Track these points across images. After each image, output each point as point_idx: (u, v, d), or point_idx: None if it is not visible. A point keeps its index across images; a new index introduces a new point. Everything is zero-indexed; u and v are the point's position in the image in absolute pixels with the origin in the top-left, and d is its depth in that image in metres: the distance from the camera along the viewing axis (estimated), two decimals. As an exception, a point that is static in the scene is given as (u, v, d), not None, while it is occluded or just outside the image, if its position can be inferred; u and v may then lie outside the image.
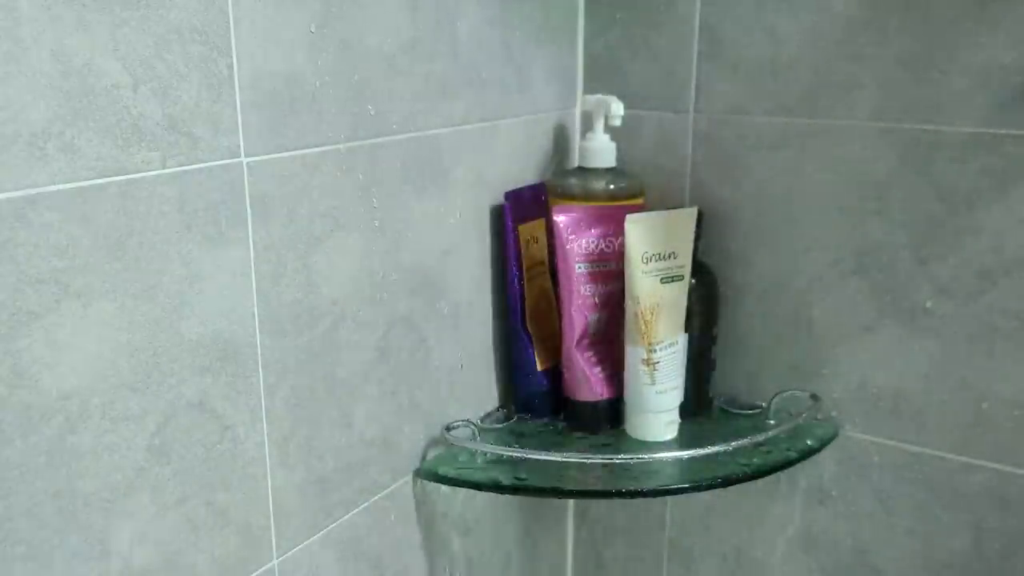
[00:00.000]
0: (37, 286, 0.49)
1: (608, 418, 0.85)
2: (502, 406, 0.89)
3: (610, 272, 0.81)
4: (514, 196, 0.83)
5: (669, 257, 0.79)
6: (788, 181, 0.85)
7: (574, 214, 0.81)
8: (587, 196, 0.85)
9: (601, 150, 0.85)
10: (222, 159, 0.58)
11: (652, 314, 0.79)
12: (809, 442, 0.84)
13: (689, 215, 0.81)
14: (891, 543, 0.88)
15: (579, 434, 0.85)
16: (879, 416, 0.85)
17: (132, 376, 0.54)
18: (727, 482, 0.78)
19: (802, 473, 0.90)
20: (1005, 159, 0.75)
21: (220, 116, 0.57)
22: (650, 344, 0.80)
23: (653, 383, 0.81)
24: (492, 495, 0.85)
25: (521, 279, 0.84)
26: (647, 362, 0.80)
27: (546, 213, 0.85)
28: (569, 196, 0.85)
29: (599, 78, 0.92)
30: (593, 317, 0.82)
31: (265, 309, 0.62)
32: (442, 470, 0.79)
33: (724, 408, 0.90)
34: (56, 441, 0.51)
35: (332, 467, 0.70)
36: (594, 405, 0.84)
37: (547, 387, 0.86)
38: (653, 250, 0.79)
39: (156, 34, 0.53)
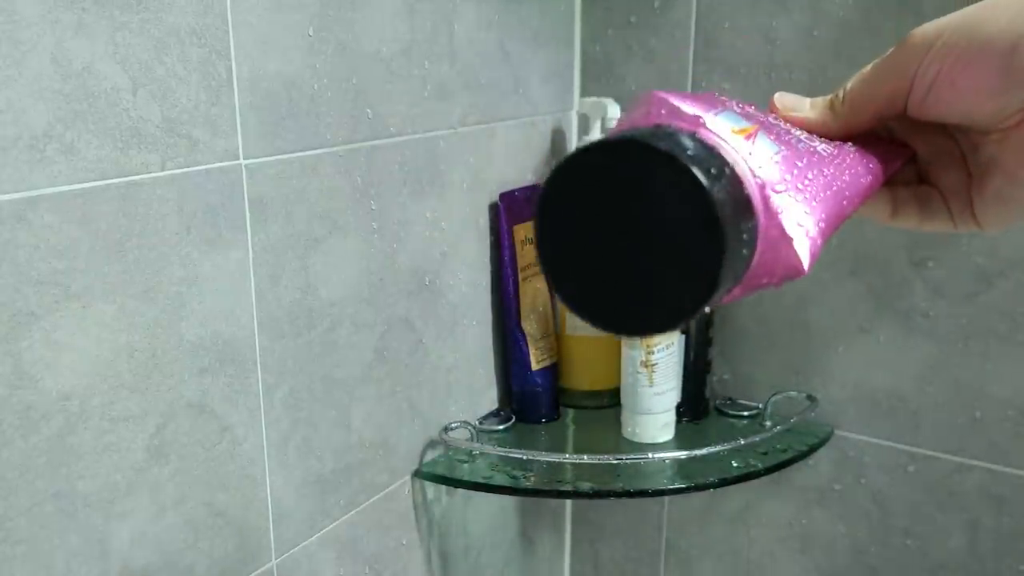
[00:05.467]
0: (37, 287, 0.49)
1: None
2: (500, 407, 0.89)
3: None
4: (508, 197, 0.83)
5: None
6: (784, 183, 0.85)
7: None
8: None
9: (598, 152, 0.85)
10: (221, 161, 0.58)
11: (650, 316, 0.79)
12: (805, 443, 0.84)
13: None
14: (887, 543, 0.88)
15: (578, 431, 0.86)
16: (875, 417, 0.86)
17: (132, 377, 0.55)
18: (724, 482, 0.79)
19: (798, 474, 0.90)
20: (999, 161, 0.76)
21: (219, 119, 0.57)
22: (649, 346, 0.80)
23: (651, 385, 0.81)
24: (490, 496, 0.86)
25: (516, 279, 0.84)
26: (645, 364, 0.80)
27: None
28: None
29: (596, 80, 0.92)
30: None
31: (264, 310, 0.63)
32: (440, 471, 0.79)
33: (721, 409, 0.90)
34: (56, 441, 0.51)
35: (331, 468, 0.70)
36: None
37: (542, 386, 0.86)
38: None
39: (155, 37, 0.53)
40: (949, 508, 0.84)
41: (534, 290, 0.87)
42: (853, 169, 0.35)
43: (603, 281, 0.25)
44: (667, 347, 0.81)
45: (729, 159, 0.26)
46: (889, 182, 0.38)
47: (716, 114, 0.31)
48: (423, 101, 0.74)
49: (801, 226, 0.29)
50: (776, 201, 0.29)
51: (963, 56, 0.34)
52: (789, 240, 0.28)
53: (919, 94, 0.35)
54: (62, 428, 0.52)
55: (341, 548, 0.73)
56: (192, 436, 0.59)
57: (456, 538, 0.87)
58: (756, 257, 0.27)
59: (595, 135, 0.85)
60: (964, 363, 0.81)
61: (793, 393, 0.87)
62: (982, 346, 0.80)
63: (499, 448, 0.80)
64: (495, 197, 0.83)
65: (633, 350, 0.81)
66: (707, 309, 0.25)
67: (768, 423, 0.85)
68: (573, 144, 0.94)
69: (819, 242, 0.30)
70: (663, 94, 0.30)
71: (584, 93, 0.93)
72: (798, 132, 0.35)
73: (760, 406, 0.88)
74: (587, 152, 0.24)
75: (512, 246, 0.83)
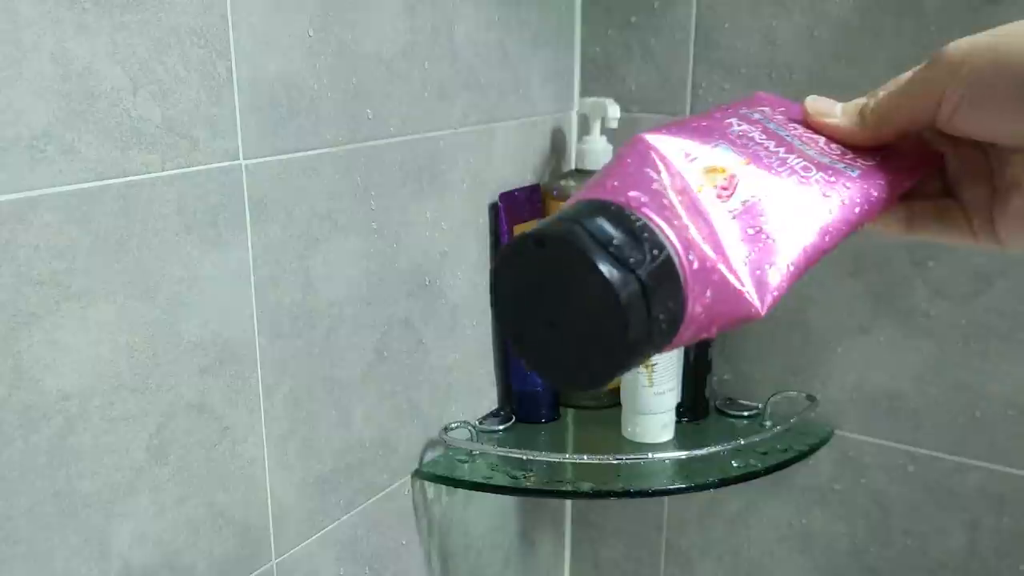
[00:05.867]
0: (37, 287, 0.49)
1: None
2: (500, 407, 0.89)
3: None
4: (508, 197, 0.83)
5: None
6: (784, 183, 0.85)
7: None
8: (584, 198, 0.85)
9: (598, 152, 0.85)
10: (221, 161, 0.58)
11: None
12: (805, 443, 0.84)
13: None
14: (887, 543, 0.88)
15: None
16: (875, 417, 0.86)
17: (132, 377, 0.55)
18: (724, 483, 0.79)
19: (798, 474, 0.90)
20: (999, 161, 0.76)
21: (219, 119, 0.57)
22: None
23: (651, 385, 0.81)
24: (490, 496, 0.86)
25: (518, 281, 0.84)
26: (645, 364, 0.80)
27: (541, 214, 0.86)
28: (566, 198, 0.85)
29: (596, 81, 0.92)
30: None
31: (264, 311, 0.63)
32: (440, 471, 0.79)
33: (721, 409, 0.90)
34: (56, 441, 0.51)
35: (331, 468, 0.70)
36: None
37: (542, 386, 0.86)
38: None
39: (155, 37, 0.53)
40: (949, 508, 0.84)
41: (534, 290, 0.87)
42: (849, 199, 0.36)
43: (543, 343, 0.30)
44: (667, 347, 0.81)
45: (662, 237, 0.30)
46: (908, 196, 0.38)
47: (714, 146, 0.33)
48: (423, 101, 0.74)
49: (761, 273, 0.32)
50: (733, 254, 0.32)
51: (988, 80, 0.34)
52: (739, 293, 0.32)
53: (946, 112, 0.35)
54: (62, 428, 0.52)
55: (341, 548, 0.73)
56: (192, 436, 0.59)
57: (456, 538, 0.87)
58: (697, 314, 0.30)
59: (595, 135, 0.85)
60: (964, 363, 0.81)
61: (793, 393, 0.87)
62: (982, 346, 0.80)
63: (499, 448, 0.80)
64: (495, 197, 0.83)
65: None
66: (634, 370, 0.29)
67: (768, 423, 0.85)
68: (573, 144, 0.94)
69: (785, 285, 0.33)
70: (651, 140, 0.33)
71: (584, 93, 0.93)
72: (795, 160, 0.36)
73: (760, 406, 0.88)
74: (523, 240, 0.30)
75: (512, 246, 0.83)
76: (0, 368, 0.48)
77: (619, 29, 0.90)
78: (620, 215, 0.30)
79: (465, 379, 0.84)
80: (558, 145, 0.92)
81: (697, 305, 0.30)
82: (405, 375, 0.76)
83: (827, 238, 0.34)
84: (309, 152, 0.64)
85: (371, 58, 0.68)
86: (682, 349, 0.84)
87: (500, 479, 0.78)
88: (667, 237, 0.30)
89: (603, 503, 1.02)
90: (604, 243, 0.28)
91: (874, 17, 0.78)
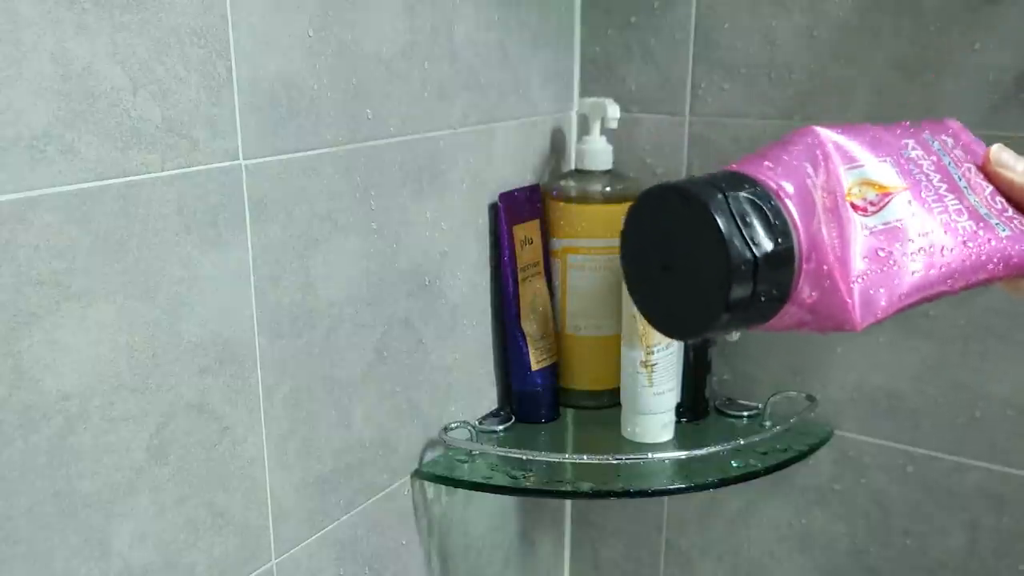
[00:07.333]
0: (37, 287, 0.49)
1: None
2: (500, 407, 0.89)
3: None
4: (508, 197, 0.83)
5: None
6: (783, 183, 0.85)
7: None
8: (584, 198, 0.85)
9: (598, 152, 0.85)
10: (221, 161, 0.58)
11: (650, 316, 0.80)
12: (805, 443, 0.84)
13: None
14: (887, 543, 0.88)
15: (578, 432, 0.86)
16: (874, 417, 0.86)
17: (131, 377, 0.55)
18: (724, 483, 0.79)
19: (798, 474, 0.90)
20: (998, 161, 0.76)
21: (219, 119, 0.57)
22: (648, 346, 0.80)
23: (651, 385, 0.81)
24: (490, 496, 0.86)
25: (515, 279, 0.84)
26: (645, 364, 0.80)
27: (541, 214, 0.86)
28: (566, 198, 0.86)
29: (596, 81, 0.92)
30: None
31: (264, 311, 0.63)
32: (440, 471, 0.79)
33: (721, 409, 0.90)
34: (56, 441, 0.51)
35: (330, 468, 0.70)
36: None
37: (542, 386, 0.86)
38: None
39: (155, 37, 0.53)
40: (949, 508, 0.84)
41: (534, 290, 0.87)
42: (987, 255, 0.37)
43: (653, 284, 0.33)
44: (667, 347, 0.81)
45: (792, 231, 0.32)
46: None
47: (880, 161, 0.35)
48: (423, 101, 0.74)
49: (874, 294, 0.34)
50: (854, 267, 0.33)
51: None
52: (844, 304, 0.33)
53: None
54: (62, 428, 0.52)
55: (341, 548, 0.73)
56: (192, 436, 0.59)
57: (456, 538, 0.87)
58: (797, 308, 0.33)
59: (595, 135, 0.85)
60: (963, 363, 0.81)
61: (793, 393, 0.87)
62: (981, 346, 0.80)
63: (499, 448, 0.80)
64: (495, 197, 0.83)
65: (633, 350, 0.81)
66: (732, 336, 0.32)
67: (768, 423, 0.85)
68: (573, 144, 0.94)
69: (891, 312, 0.35)
70: (822, 136, 0.35)
71: (584, 93, 0.93)
72: (952, 201, 0.36)
73: (760, 406, 0.88)
74: (669, 191, 0.32)
75: (512, 246, 0.84)
76: (0, 368, 0.48)
77: (619, 29, 0.90)
78: (763, 196, 0.32)
79: (465, 379, 0.84)
80: (558, 145, 0.92)
81: (801, 299, 0.33)
82: (405, 375, 0.77)
83: (950, 282, 0.36)
84: (309, 152, 0.64)
85: (371, 58, 0.68)
86: (682, 349, 0.85)
87: (500, 479, 0.78)
88: (797, 232, 0.32)
89: (603, 503, 1.02)
90: (738, 217, 0.31)
91: (874, 17, 0.78)
